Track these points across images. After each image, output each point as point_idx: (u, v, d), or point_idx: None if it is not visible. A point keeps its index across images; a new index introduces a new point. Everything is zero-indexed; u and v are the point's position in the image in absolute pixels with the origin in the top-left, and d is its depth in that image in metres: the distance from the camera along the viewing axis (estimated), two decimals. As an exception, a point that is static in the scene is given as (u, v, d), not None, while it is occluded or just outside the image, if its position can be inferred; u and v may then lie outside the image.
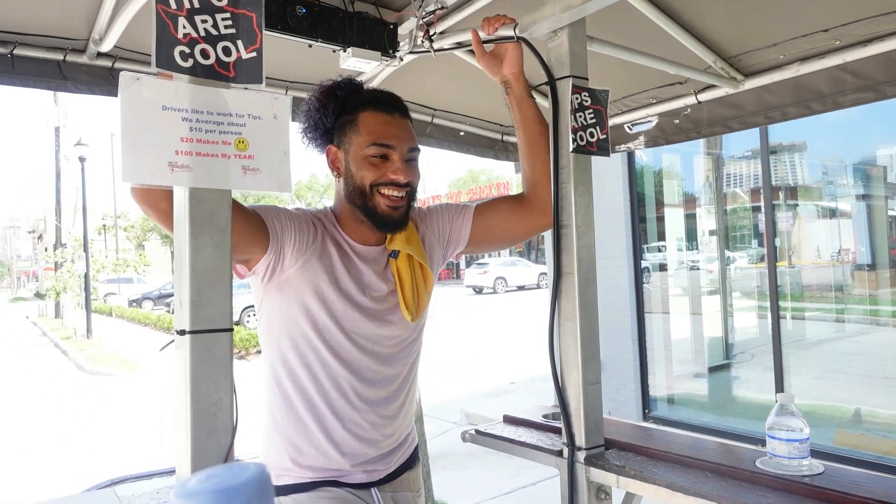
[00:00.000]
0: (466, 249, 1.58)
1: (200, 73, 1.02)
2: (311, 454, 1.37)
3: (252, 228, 1.26)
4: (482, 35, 1.55)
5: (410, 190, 1.39)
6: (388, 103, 1.40)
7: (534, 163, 1.52)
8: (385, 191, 1.35)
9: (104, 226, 38.68)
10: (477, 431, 1.84)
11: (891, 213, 4.79)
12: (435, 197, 36.29)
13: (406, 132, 1.39)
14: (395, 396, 1.44)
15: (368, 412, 1.39)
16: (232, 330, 1.03)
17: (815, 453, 1.34)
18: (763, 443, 1.39)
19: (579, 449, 1.46)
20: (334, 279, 1.36)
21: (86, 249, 17.34)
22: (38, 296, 37.65)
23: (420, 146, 1.44)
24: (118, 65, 1.96)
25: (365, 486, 1.41)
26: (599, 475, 1.45)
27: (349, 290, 1.37)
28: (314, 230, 1.37)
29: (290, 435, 1.38)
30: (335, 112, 1.40)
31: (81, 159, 17.24)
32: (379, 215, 1.36)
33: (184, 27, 1.00)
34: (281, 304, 1.35)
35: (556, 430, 1.68)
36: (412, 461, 1.54)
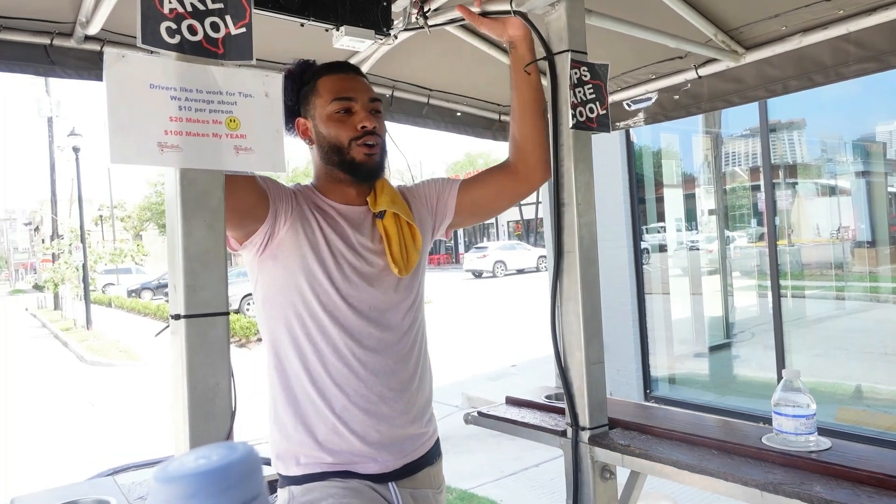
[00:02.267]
0: (455, 222, 1.57)
1: (188, 49, 0.99)
2: (322, 431, 1.33)
3: (258, 191, 1.29)
4: (475, 10, 1.51)
5: (381, 140, 1.42)
6: (341, 65, 1.46)
7: (524, 125, 1.50)
8: (363, 142, 1.38)
9: (101, 216, 38.59)
10: (480, 413, 1.83)
11: (890, 189, 4.76)
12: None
13: (363, 85, 1.43)
14: (401, 367, 1.40)
15: (375, 383, 1.35)
16: (228, 313, 1.01)
17: (818, 430, 1.32)
18: (765, 421, 1.38)
19: (583, 429, 1.45)
20: (324, 238, 1.37)
21: (83, 240, 17.29)
22: (37, 287, 37.65)
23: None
24: (106, 48, 1.91)
25: (381, 479, 1.35)
26: (604, 454, 1.44)
27: (338, 246, 1.37)
28: (293, 196, 1.39)
29: (297, 414, 1.34)
30: (295, 89, 1.44)
31: (75, 149, 17.13)
32: (357, 164, 1.38)
33: (170, 2, 0.97)
34: (276, 273, 1.35)
35: (560, 411, 1.67)
36: (433, 455, 1.47)
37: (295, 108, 1.46)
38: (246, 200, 1.26)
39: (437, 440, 1.51)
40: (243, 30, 1.03)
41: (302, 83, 1.45)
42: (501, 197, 1.56)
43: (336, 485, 1.31)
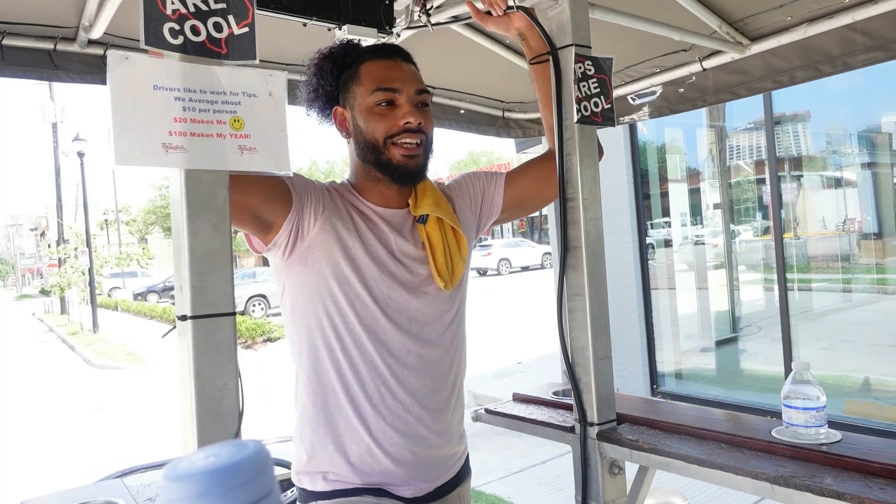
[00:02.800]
0: (500, 218, 1.49)
1: (191, 50, 0.98)
2: (355, 452, 1.24)
3: (277, 185, 1.20)
4: (479, 6, 1.50)
5: (425, 139, 1.28)
6: (387, 50, 1.32)
7: None
8: (399, 140, 1.25)
9: (106, 220, 38.72)
10: (487, 411, 1.83)
11: (897, 180, 4.74)
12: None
13: (410, 74, 1.30)
14: (440, 386, 1.31)
15: (413, 403, 1.26)
16: (234, 314, 1.00)
17: (827, 423, 1.32)
18: (773, 415, 1.37)
19: (591, 424, 1.44)
20: (360, 241, 1.25)
21: (88, 245, 17.35)
22: (44, 292, 37.82)
23: (428, 89, 1.33)
24: (110, 52, 1.92)
25: (413, 501, 1.28)
26: (612, 450, 1.43)
27: (377, 252, 1.26)
28: (328, 194, 1.28)
29: (329, 433, 1.25)
30: (334, 72, 1.32)
31: (80, 154, 17.20)
32: (394, 166, 1.26)
33: (172, 3, 0.97)
34: (305, 279, 1.24)
35: (567, 407, 1.66)
36: (463, 474, 1.41)
37: (334, 95, 1.33)
38: (254, 194, 1.15)
39: (468, 457, 1.44)
40: (246, 29, 1.03)
41: (343, 67, 1.32)
42: (550, 186, 1.46)
43: (368, 500, 1.24)
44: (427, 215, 1.31)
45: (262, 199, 1.18)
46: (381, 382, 1.24)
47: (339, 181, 1.37)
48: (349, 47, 1.35)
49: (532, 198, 1.51)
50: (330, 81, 1.32)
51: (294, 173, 1.23)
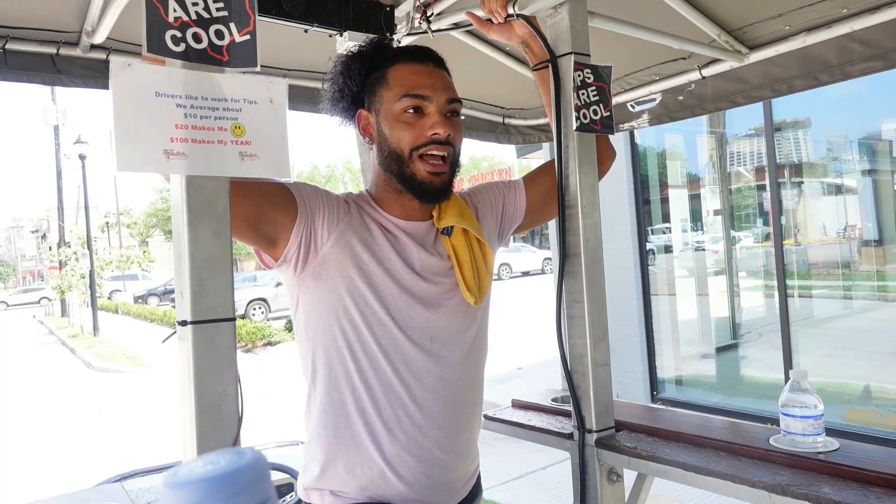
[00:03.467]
0: (522, 224, 1.45)
1: (193, 57, 0.99)
2: (365, 476, 1.18)
3: (276, 192, 1.14)
4: (480, 14, 1.51)
5: (453, 152, 1.21)
6: (419, 54, 1.24)
7: None
8: (426, 152, 1.18)
9: (107, 223, 38.78)
10: (486, 417, 1.83)
11: (898, 187, 4.74)
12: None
13: (442, 81, 1.22)
14: (460, 410, 1.24)
15: (431, 427, 1.19)
16: (234, 319, 1.01)
17: (826, 430, 1.32)
18: (773, 422, 1.37)
19: (590, 431, 1.44)
20: (377, 257, 1.18)
21: (89, 247, 17.39)
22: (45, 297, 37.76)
23: (459, 98, 1.25)
24: (112, 57, 1.93)
25: None
26: (611, 457, 1.43)
27: (396, 268, 1.19)
28: (345, 205, 1.21)
29: (341, 453, 1.18)
30: (362, 72, 1.25)
31: (81, 157, 17.25)
32: (418, 182, 1.18)
33: (174, 10, 0.98)
34: (319, 296, 1.17)
35: (566, 414, 1.67)
36: (477, 490, 1.34)
37: (359, 96, 1.26)
38: (247, 205, 1.09)
39: (479, 475, 1.38)
40: (247, 37, 1.04)
41: (371, 67, 1.24)
42: None
43: None
44: (452, 227, 1.24)
45: (259, 210, 1.12)
46: (399, 405, 1.18)
47: (355, 192, 1.31)
48: (379, 46, 1.27)
49: (552, 201, 1.44)
50: (357, 82, 1.25)
51: (307, 184, 1.21)
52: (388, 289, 1.18)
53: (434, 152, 1.19)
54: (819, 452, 1.25)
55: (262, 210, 1.12)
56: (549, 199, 1.44)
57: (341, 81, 1.27)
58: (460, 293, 1.24)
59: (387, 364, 1.17)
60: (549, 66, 1.44)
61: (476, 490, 1.35)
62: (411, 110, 1.19)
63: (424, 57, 1.24)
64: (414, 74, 1.21)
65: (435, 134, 1.18)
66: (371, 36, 1.33)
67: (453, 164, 1.23)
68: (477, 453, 1.34)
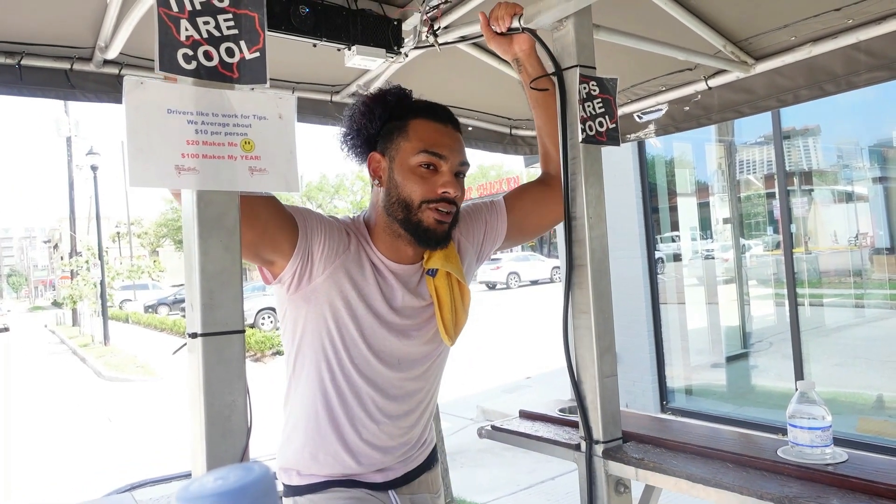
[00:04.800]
0: (500, 246, 1.52)
1: (204, 74, 1.01)
2: (328, 462, 1.35)
3: (282, 220, 1.20)
4: (496, 29, 1.53)
5: (456, 209, 1.31)
6: (441, 114, 1.32)
7: (555, 139, 1.47)
8: (435, 207, 1.27)
9: (118, 233, 39.11)
10: (493, 427, 1.83)
11: (909, 194, 4.71)
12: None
13: (458, 144, 1.32)
14: (415, 409, 1.41)
15: (388, 425, 1.36)
16: (244, 331, 1.02)
17: (838, 441, 1.31)
18: (783, 432, 1.37)
19: (597, 442, 1.44)
20: (363, 295, 1.29)
21: (100, 257, 17.52)
22: (56, 304, 38.14)
23: (468, 162, 1.34)
24: (125, 71, 1.97)
25: (381, 487, 1.38)
26: (618, 468, 1.43)
27: (379, 308, 1.31)
28: (347, 239, 1.30)
29: (308, 442, 1.35)
30: (382, 118, 1.32)
31: (93, 168, 17.42)
32: (423, 229, 1.27)
33: (186, 29, 1.00)
34: (307, 316, 1.29)
35: (573, 424, 1.67)
36: (430, 462, 1.51)
37: (374, 139, 1.34)
38: (250, 233, 1.14)
39: (434, 448, 1.54)
40: (257, 54, 1.06)
41: (391, 115, 1.32)
42: (549, 214, 1.50)
43: (339, 495, 1.34)
44: (437, 269, 1.33)
45: (262, 240, 1.19)
46: (365, 412, 1.33)
47: (352, 215, 1.39)
48: (402, 95, 1.35)
49: (530, 223, 1.52)
50: (375, 126, 1.33)
51: (314, 213, 1.28)
52: (368, 322, 1.30)
53: (442, 209, 1.28)
54: (827, 464, 1.25)
55: (265, 239, 1.19)
56: (527, 221, 1.51)
57: (359, 121, 1.34)
58: (433, 325, 1.37)
59: (358, 376, 1.32)
60: (549, 88, 1.47)
61: (430, 460, 1.50)
62: (427, 166, 1.27)
63: (445, 118, 1.32)
64: (435, 132, 1.29)
65: (445, 193, 1.27)
66: (394, 85, 1.38)
67: (455, 217, 1.32)
68: (429, 430, 1.50)
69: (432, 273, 1.34)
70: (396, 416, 1.37)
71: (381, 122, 1.33)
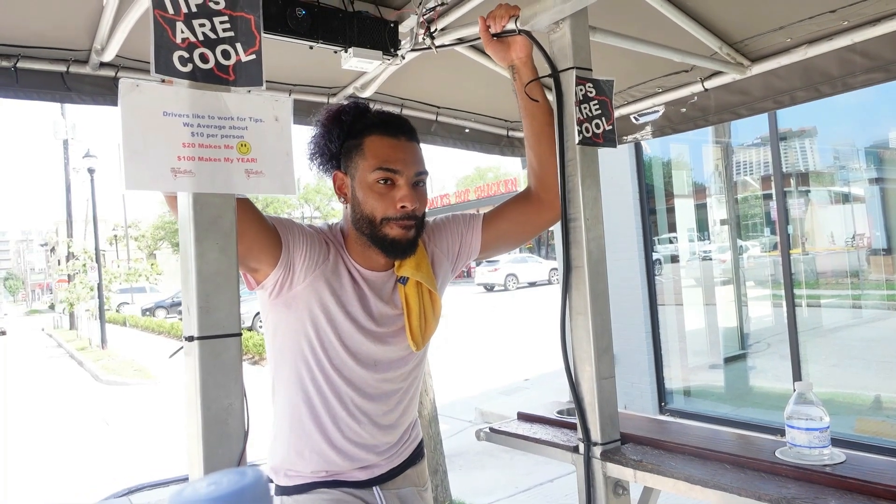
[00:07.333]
0: (479, 257, 1.56)
1: (200, 77, 1.01)
2: (314, 459, 1.39)
3: (267, 237, 1.26)
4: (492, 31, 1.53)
5: (418, 218, 1.36)
6: (393, 126, 1.36)
7: (541, 153, 1.49)
8: (396, 223, 1.32)
9: (115, 236, 39.02)
10: (491, 430, 1.83)
11: (905, 195, 4.72)
12: (443, 196, 36.23)
13: (412, 155, 1.35)
14: (395, 409, 1.45)
15: (368, 424, 1.41)
16: (241, 335, 1.02)
17: (836, 441, 1.31)
18: (782, 433, 1.37)
19: (595, 444, 1.44)
20: (342, 302, 1.35)
21: (97, 260, 17.49)
22: (53, 308, 38.02)
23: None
24: (121, 74, 1.97)
25: (366, 484, 1.42)
26: (616, 470, 1.43)
27: (356, 314, 1.36)
28: (326, 250, 1.36)
29: (294, 440, 1.40)
30: (340, 137, 1.37)
31: (90, 171, 17.37)
32: (389, 241, 1.33)
33: (182, 32, 1.00)
34: (287, 320, 1.35)
35: (572, 426, 1.67)
36: (416, 457, 1.54)
37: (337, 157, 1.39)
38: (245, 251, 1.19)
39: (420, 442, 1.57)
40: (253, 56, 1.06)
41: (349, 134, 1.37)
42: (526, 228, 1.53)
43: (322, 496, 1.38)
44: (408, 277, 1.39)
45: (248, 252, 1.23)
46: (346, 411, 1.38)
47: (330, 223, 1.44)
48: (358, 113, 1.39)
49: (506, 240, 1.56)
50: (336, 145, 1.38)
51: (297, 225, 1.33)
52: (346, 328, 1.36)
53: (403, 222, 1.33)
54: (825, 465, 1.25)
55: (251, 252, 1.24)
56: (503, 238, 1.55)
57: (321, 142, 1.41)
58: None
59: (337, 376, 1.37)
60: (542, 94, 1.48)
61: (415, 455, 1.53)
62: (383, 182, 1.32)
63: (398, 131, 1.36)
64: (388, 148, 1.33)
65: (403, 207, 1.32)
66: (349, 98, 1.42)
67: (419, 225, 1.37)
68: (413, 427, 1.54)
69: (403, 281, 1.40)
70: (376, 415, 1.42)
71: (339, 142, 1.38)
